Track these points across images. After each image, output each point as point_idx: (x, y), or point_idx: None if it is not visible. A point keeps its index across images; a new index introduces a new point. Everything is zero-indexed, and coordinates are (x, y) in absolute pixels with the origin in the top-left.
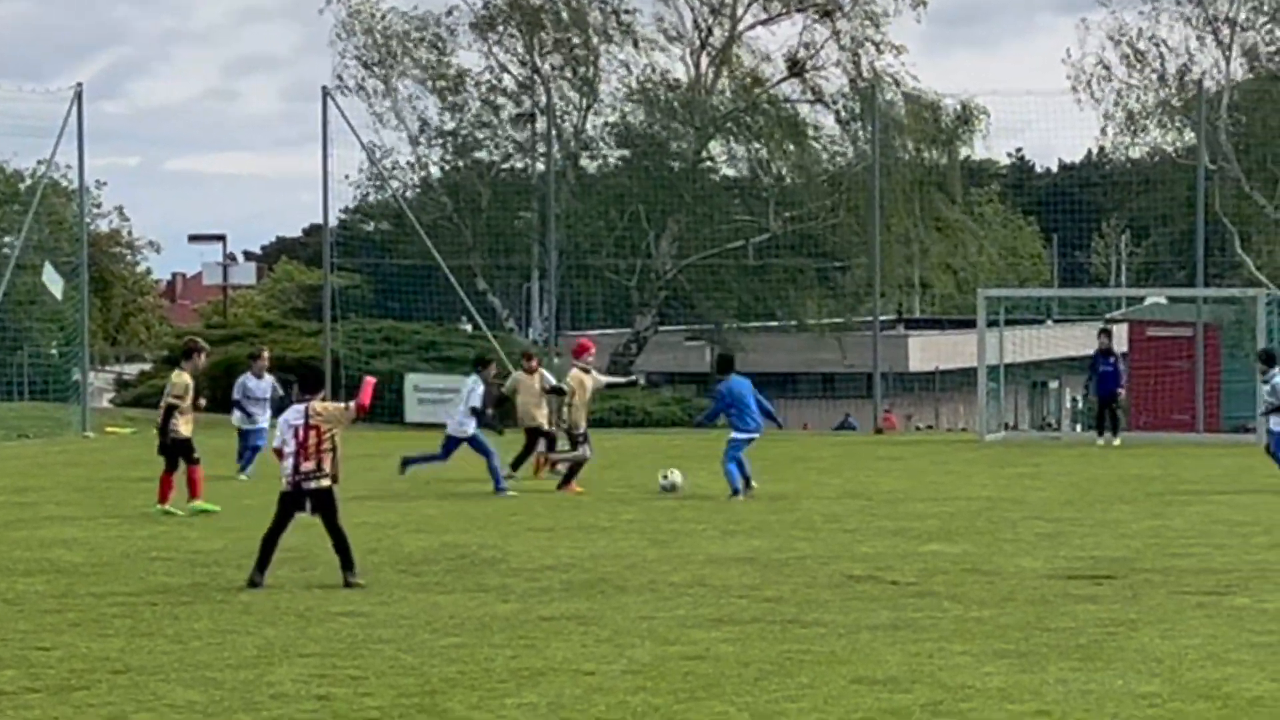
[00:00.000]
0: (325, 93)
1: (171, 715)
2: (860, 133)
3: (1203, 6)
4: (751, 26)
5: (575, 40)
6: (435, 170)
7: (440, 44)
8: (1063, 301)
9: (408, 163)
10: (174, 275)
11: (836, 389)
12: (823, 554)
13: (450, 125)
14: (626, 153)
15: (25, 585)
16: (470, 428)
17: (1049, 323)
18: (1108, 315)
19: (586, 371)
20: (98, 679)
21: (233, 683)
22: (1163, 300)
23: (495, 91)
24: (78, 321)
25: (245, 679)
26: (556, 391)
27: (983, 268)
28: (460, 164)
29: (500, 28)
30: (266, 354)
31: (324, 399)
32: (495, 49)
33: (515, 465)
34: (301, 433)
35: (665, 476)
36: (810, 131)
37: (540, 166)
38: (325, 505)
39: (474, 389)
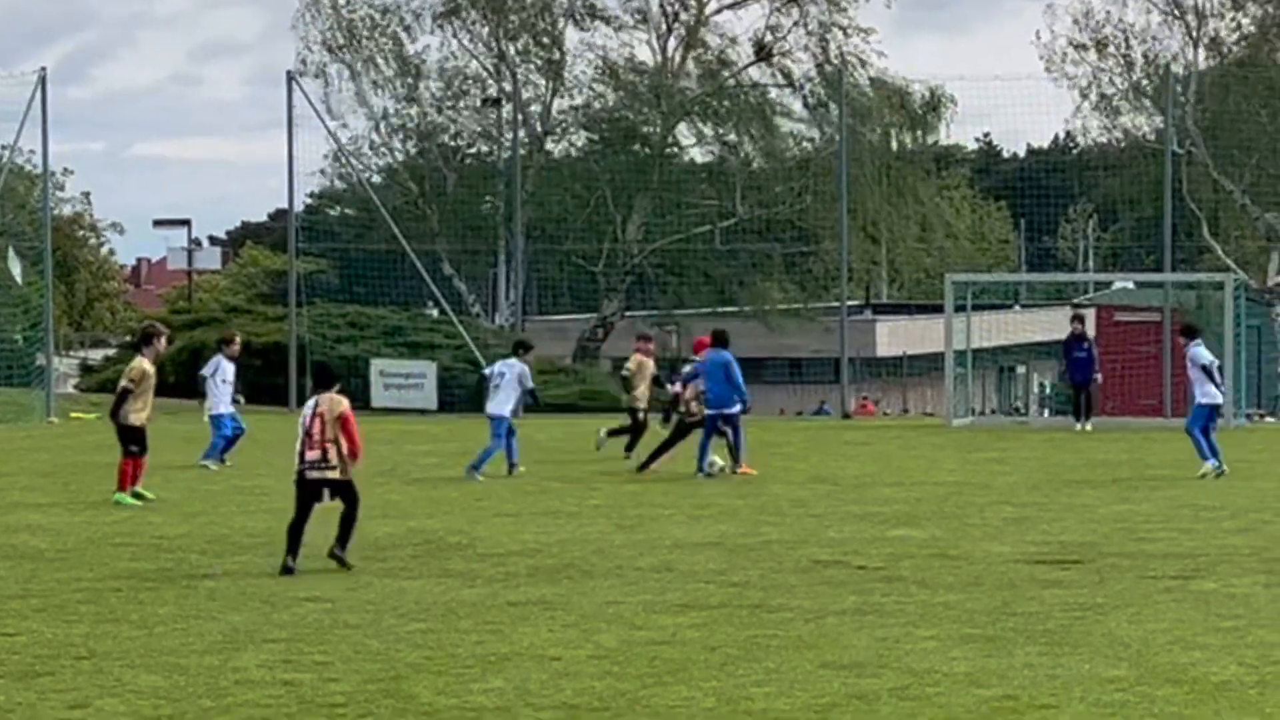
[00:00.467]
0: (290, 77)
1: (136, 701)
2: (828, 117)
3: None
4: (719, 10)
5: (541, 24)
6: (400, 155)
7: (405, 28)
8: (1030, 286)
9: (372, 147)
10: (139, 260)
11: (804, 374)
12: (790, 539)
13: (415, 110)
14: (593, 137)
15: None
16: (510, 409)
17: (1017, 308)
18: (1075, 300)
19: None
20: (62, 664)
21: (197, 668)
22: (1130, 285)
23: (460, 76)
24: (42, 306)
25: (210, 664)
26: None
27: (950, 252)
28: (426, 149)
29: (465, 12)
30: (239, 338)
31: (339, 391)
32: (460, 33)
33: (629, 448)
34: (309, 422)
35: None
36: (778, 116)
37: (506, 151)
38: (344, 494)
39: (523, 371)
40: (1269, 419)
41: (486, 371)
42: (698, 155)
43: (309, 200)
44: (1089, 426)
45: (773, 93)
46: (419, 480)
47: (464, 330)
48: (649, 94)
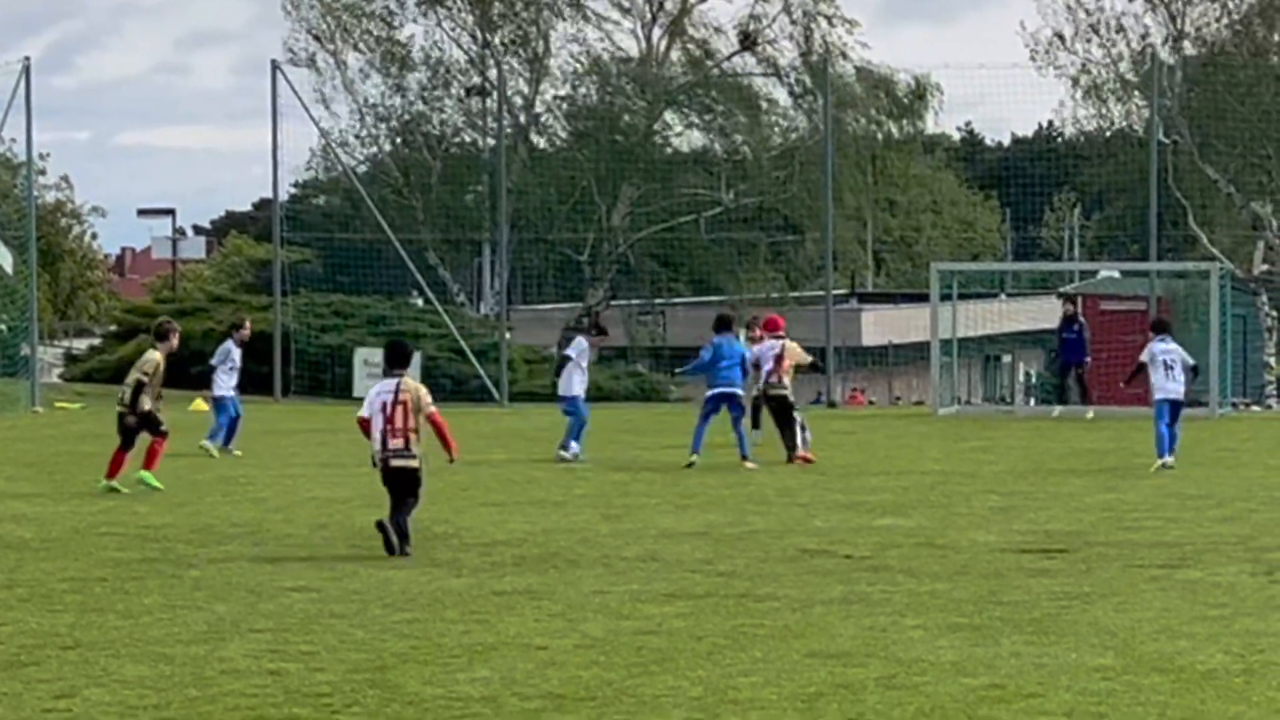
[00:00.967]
0: (275, 66)
1: (122, 691)
2: (813, 106)
3: None
4: None
5: (525, 14)
6: (385, 145)
7: (390, 17)
8: (1016, 275)
9: (357, 137)
10: (123, 249)
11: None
12: (776, 528)
13: (400, 99)
14: (578, 126)
15: None
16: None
17: (1002, 296)
18: (1060, 289)
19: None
20: (48, 654)
21: (183, 658)
22: (1116, 274)
23: (445, 66)
24: (27, 296)
25: (196, 654)
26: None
27: (936, 241)
28: (410, 138)
29: (450, 2)
30: (249, 323)
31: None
32: (445, 23)
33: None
34: (389, 408)
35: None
36: (762, 105)
37: (491, 140)
38: (409, 483)
39: (585, 350)
40: (1254, 408)
41: (570, 352)
42: (683, 144)
43: (293, 190)
44: (1090, 414)
45: (758, 82)
46: None
47: (449, 319)
48: (634, 84)
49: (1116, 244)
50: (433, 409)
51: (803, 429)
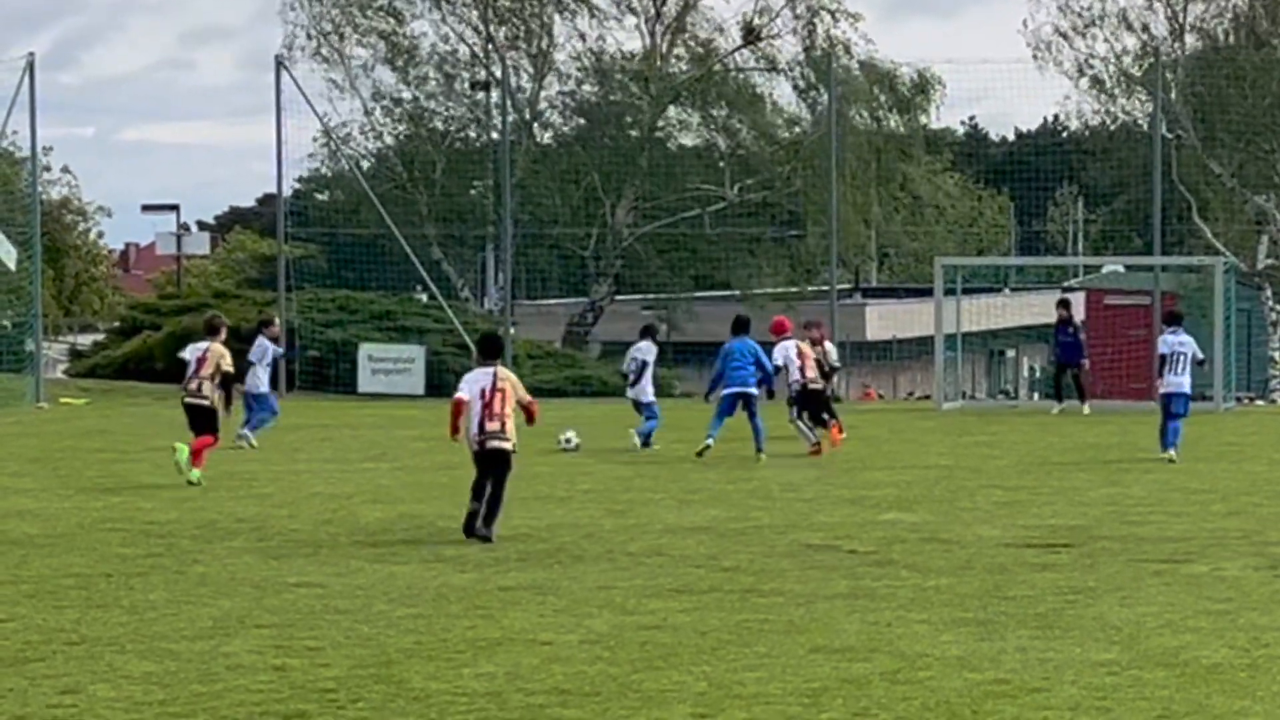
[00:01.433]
0: (279, 61)
1: (128, 686)
2: (816, 100)
3: None
4: None
5: (529, 9)
6: (389, 140)
7: (394, 12)
8: (1020, 270)
9: (361, 132)
10: (127, 245)
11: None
12: (780, 523)
13: (404, 95)
14: (582, 121)
15: None
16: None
17: (1006, 291)
18: (1064, 284)
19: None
20: (53, 650)
21: (189, 654)
22: (1120, 269)
23: (449, 61)
24: (31, 291)
25: (201, 650)
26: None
27: (940, 236)
28: (414, 133)
29: None
30: (278, 320)
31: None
32: (450, 18)
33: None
34: (488, 394)
35: (567, 440)
36: (766, 100)
37: (495, 136)
38: (501, 466)
39: (652, 350)
40: (1259, 402)
41: (648, 358)
42: (686, 140)
43: (297, 185)
44: (1086, 409)
45: (761, 77)
46: (409, 465)
47: (453, 315)
48: (637, 81)
49: (1121, 238)
50: (529, 397)
51: (832, 417)
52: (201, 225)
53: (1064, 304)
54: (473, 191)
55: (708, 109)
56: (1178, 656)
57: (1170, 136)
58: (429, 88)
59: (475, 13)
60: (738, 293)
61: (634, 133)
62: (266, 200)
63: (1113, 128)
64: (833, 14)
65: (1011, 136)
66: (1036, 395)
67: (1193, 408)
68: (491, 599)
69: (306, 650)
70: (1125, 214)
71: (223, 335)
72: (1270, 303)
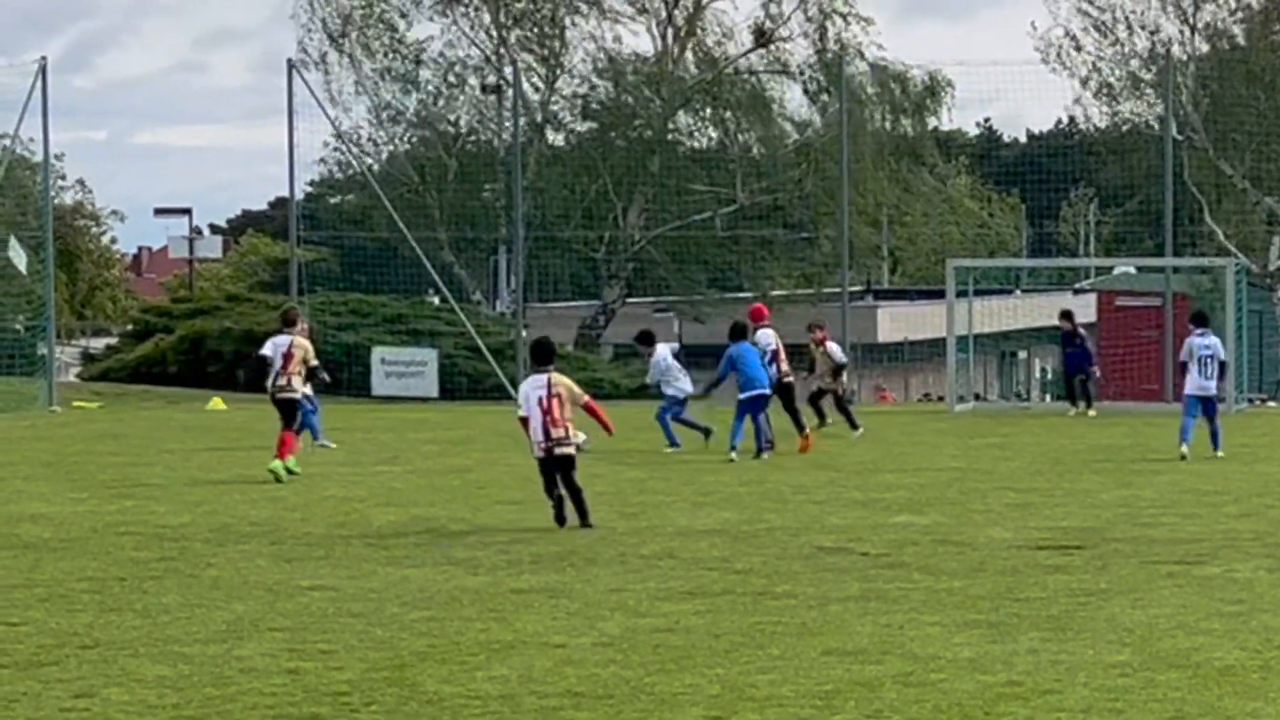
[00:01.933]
0: (291, 65)
1: (140, 690)
2: (827, 104)
3: None
4: None
5: (541, 13)
6: (401, 143)
7: (406, 15)
8: (1032, 271)
9: (371, 139)
10: (140, 249)
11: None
12: (793, 526)
13: (415, 98)
14: (593, 124)
15: None
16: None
17: (1018, 293)
18: (1076, 285)
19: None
20: (66, 654)
21: (202, 657)
22: (1132, 270)
23: (461, 64)
24: (44, 295)
25: (214, 654)
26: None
27: (952, 238)
28: (426, 136)
29: (466, 0)
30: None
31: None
32: (460, 21)
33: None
34: (545, 401)
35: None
36: (776, 103)
37: (507, 139)
38: (567, 467)
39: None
40: (1270, 404)
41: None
42: (697, 143)
43: (310, 188)
44: (1093, 412)
45: (772, 79)
46: (421, 468)
47: (465, 318)
48: (648, 83)
49: (1133, 240)
50: (586, 398)
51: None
52: (214, 229)
53: (1067, 315)
54: (484, 194)
55: (719, 112)
56: (1190, 658)
57: (1181, 138)
58: (440, 91)
59: (487, 15)
60: (750, 295)
61: (645, 135)
62: (279, 204)
63: (1124, 129)
64: (844, 17)
65: (1023, 138)
66: (1049, 397)
67: None
68: (504, 602)
69: (320, 653)
70: (1137, 215)
71: (300, 326)
72: None
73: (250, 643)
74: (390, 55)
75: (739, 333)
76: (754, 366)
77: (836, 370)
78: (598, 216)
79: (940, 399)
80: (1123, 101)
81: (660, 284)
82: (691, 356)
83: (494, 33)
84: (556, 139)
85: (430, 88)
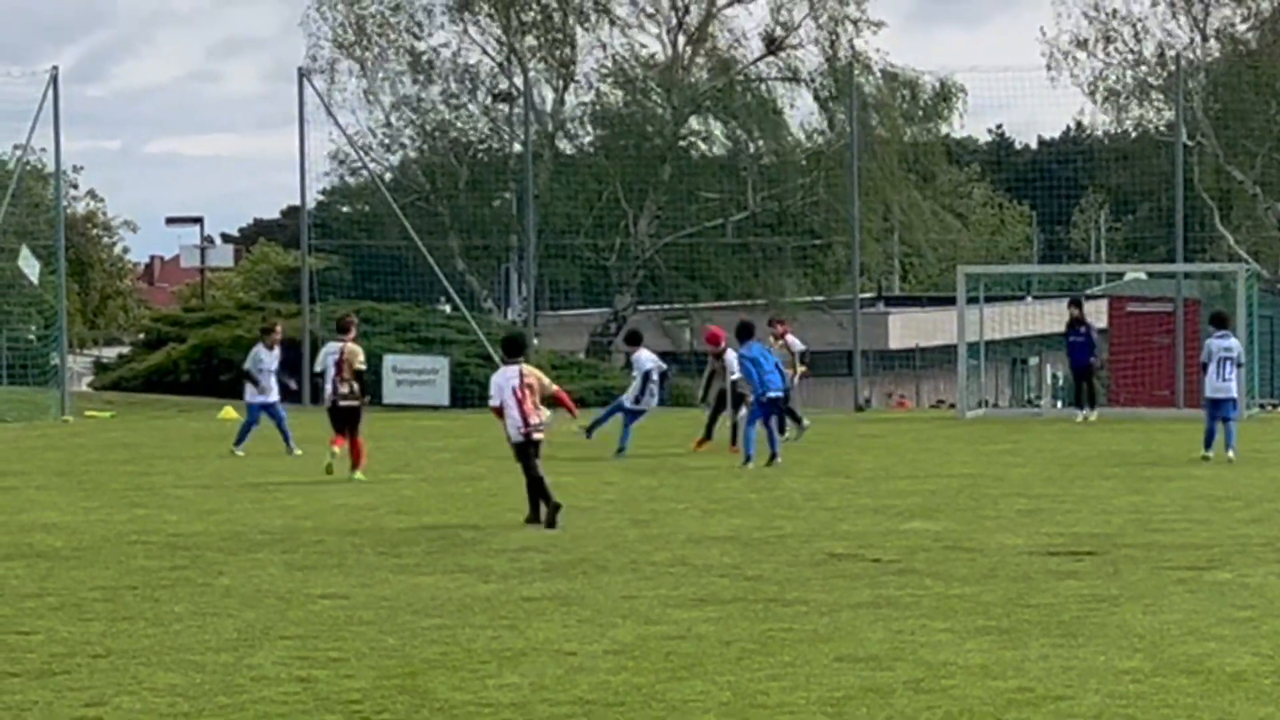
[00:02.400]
0: (302, 74)
1: (152, 699)
2: (838, 111)
3: None
4: (729, 4)
5: (552, 20)
6: (412, 152)
7: (416, 24)
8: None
9: (384, 144)
10: (152, 258)
11: (817, 368)
12: (804, 532)
13: (426, 107)
14: (604, 132)
15: (4, 570)
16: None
17: (1029, 299)
18: (1087, 291)
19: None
20: (78, 663)
21: (213, 666)
22: (1143, 276)
23: (472, 72)
24: (56, 305)
25: (226, 662)
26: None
27: (963, 244)
28: (437, 145)
29: (477, 8)
30: (280, 328)
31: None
32: (471, 29)
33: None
34: (519, 390)
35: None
36: (787, 110)
37: (518, 147)
38: (537, 452)
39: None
40: None
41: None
42: (708, 150)
43: (321, 197)
44: (1093, 417)
45: (782, 86)
46: (433, 476)
47: (476, 326)
48: (659, 90)
49: (1145, 246)
50: (555, 388)
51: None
52: (225, 238)
53: (1076, 303)
54: (495, 203)
55: (729, 119)
56: (1202, 664)
57: (1192, 144)
58: (451, 99)
59: (498, 24)
60: (762, 302)
61: (656, 143)
62: (290, 212)
63: (1134, 135)
64: (855, 24)
65: (1035, 145)
66: (1060, 403)
67: None
68: (516, 609)
69: (331, 661)
70: (1148, 221)
71: (353, 334)
72: None
73: (262, 651)
74: (401, 63)
75: (747, 333)
76: (771, 369)
77: (798, 361)
78: (609, 224)
79: (953, 405)
80: (1133, 108)
81: (671, 291)
82: (702, 364)
83: (505, 41)
84: (567, 147)
85: (441, 96)
